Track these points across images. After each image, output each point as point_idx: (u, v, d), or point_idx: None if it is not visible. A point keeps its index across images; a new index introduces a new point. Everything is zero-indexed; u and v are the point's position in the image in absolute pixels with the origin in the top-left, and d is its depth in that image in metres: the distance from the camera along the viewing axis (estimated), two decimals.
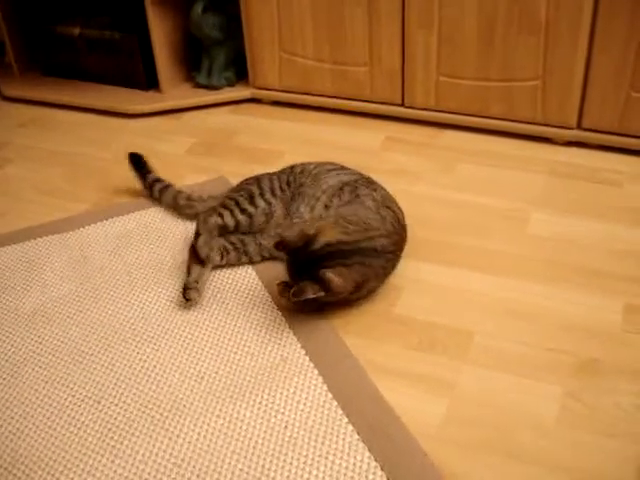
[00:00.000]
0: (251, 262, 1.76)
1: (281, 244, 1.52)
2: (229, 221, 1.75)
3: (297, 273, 1.54)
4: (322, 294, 1.48)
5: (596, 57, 2.01)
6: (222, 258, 1.73)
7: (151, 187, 1.98)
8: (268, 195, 1.77)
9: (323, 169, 1.81)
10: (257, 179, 1.83)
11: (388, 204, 1.70)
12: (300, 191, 1.77)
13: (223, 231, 1.76)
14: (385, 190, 1.76)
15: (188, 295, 1.64)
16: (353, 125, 2.36)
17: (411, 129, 2.31)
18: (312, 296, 1.48)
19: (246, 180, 1.87)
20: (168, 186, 1.97)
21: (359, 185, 1.73)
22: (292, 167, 1.86)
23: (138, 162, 2.00)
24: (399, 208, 1.73)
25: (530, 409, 1.37)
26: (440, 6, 2.10)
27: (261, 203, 1.76)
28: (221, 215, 1.75)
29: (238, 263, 1.76)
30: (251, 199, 1.77)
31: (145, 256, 1.81)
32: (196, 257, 1.71)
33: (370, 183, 1.77)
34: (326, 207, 1.70)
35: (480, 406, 1.39)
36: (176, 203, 1.94)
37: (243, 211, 1.76)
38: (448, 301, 1.63)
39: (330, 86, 2.39)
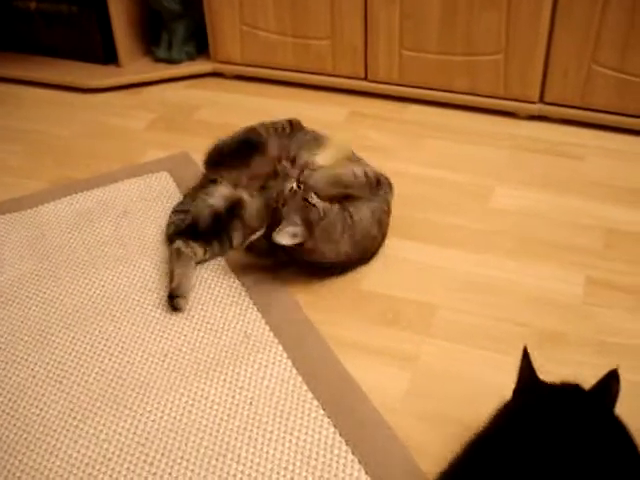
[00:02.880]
0: (231, 247, 1.70)
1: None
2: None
3: None
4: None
5: (558, 30, 2.01)
6: (205, 252, 1.67)
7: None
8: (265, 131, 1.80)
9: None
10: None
11: None
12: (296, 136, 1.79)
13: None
14: None
15: (177, 304, 1.56)
16: (317, 100, 2.34)
17: (375, 103, 2.30)
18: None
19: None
20: None
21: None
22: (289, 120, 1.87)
23: None
24: None
25: (493, 381, 1.38)
26: None
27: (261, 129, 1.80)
28: None
29: (222, 253, 1.70)
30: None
31: (105, 234, 1.78)
32: (177, 256, 1.64)
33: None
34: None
35: (443, 379, 1.39)
36: None
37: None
38: (412, 276, 1.63)
39: (292, 60, 2.36)
